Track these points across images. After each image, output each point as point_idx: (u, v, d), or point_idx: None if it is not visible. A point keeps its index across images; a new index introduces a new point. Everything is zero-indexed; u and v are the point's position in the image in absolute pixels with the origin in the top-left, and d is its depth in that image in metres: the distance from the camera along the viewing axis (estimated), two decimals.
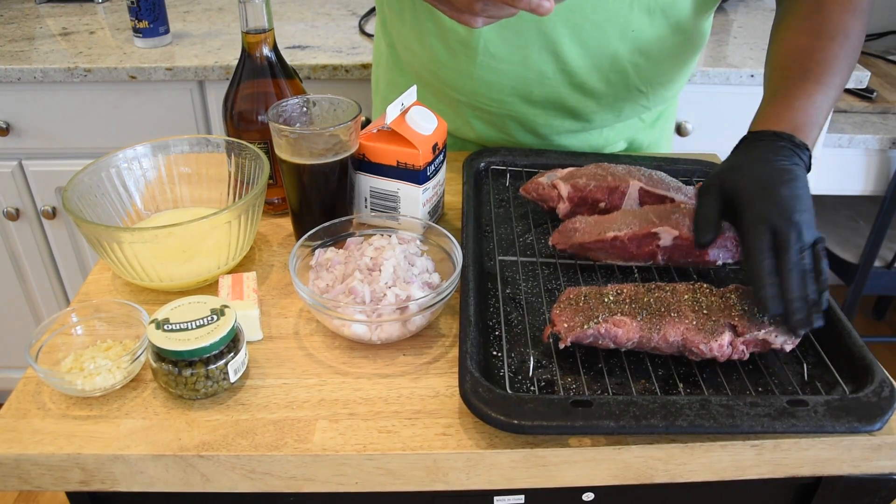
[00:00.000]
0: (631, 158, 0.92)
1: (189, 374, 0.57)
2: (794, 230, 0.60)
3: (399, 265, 0.68)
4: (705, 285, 0.64)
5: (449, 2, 0.64)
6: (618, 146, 1.03)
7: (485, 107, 0.95)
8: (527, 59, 0.88)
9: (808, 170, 0.68)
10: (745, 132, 0.72)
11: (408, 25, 0.95)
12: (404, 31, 0.97)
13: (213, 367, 0.58)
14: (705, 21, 0.93)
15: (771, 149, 0.68)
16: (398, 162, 0.76)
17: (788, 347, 0.60)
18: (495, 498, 0.62)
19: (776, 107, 0.72)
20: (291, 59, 1.40)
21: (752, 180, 0.65)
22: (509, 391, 0.59)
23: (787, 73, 0.75)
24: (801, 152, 0.67)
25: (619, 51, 0.87)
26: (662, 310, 0.62)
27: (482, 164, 0.91)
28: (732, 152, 0.71)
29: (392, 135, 0.76)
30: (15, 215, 1.56)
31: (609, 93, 0.92)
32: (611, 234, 0.72)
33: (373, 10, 1.66)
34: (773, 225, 0.61)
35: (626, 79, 0.91)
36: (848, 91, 1.70)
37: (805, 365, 0.62)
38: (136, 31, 1.45)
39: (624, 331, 0.60)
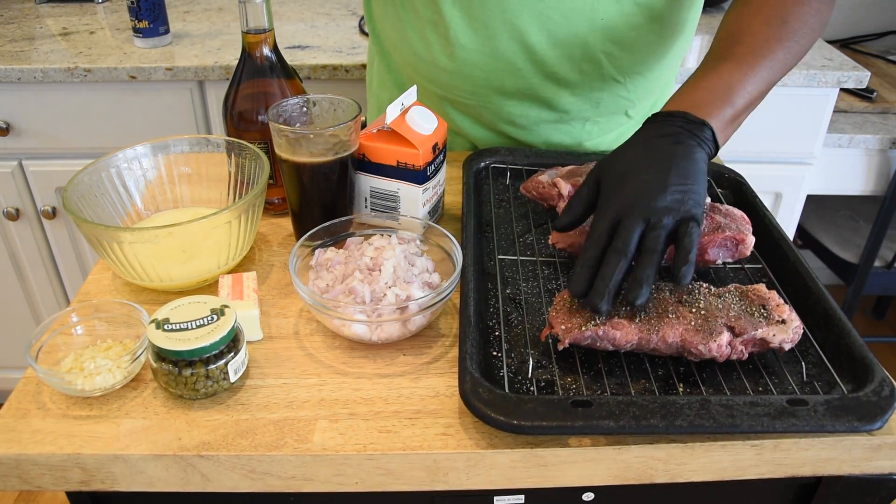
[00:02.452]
0: None
1: (189, 373, 0.58)
2: (637, 217, 0.60)
3: (399, 265, 0.68)
4: (703, 285, 0.64)
5: None
6: (604, 141, 1.01)
7: (461, 99, 0.95)
8: (496, 49, 0.88)
9: (715, 144, 0.68)
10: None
11: (390, 20, 0.96)
12: (387, 25, 0.97)
13: (213, 366, 0.58)
14: (687, 9, 0.91)
15: (655, 129, 0.68)
16: (398, 162, 0.76)
17: (787, 347, 0.60)
18: (495, 498, 0.62)
19: (684, 88, 0.72)
20: (291, 59, 1.40)
21: (617, 168, 0.66)
22: (509, 391, 0.59)
23: (710, 56, 0.75)
24: (695, 129, 0.67)
25: (589, 39, 0.87)
26: (660, 311, 0.62)
27: (482, 164, 0.91)
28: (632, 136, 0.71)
29: (392, 135, 0.76)
30: (15, 215, 1.56)
31: (583, 82, 0.91)
32: None
33: None
34: (616, 215, 0.62)
35: (600, 68, 0.90)
36: (848, 91, 1.70)
37: (804, 365, 0.62)
38: (136, 31, 1.45)
39: (622, 333, 0.60)
